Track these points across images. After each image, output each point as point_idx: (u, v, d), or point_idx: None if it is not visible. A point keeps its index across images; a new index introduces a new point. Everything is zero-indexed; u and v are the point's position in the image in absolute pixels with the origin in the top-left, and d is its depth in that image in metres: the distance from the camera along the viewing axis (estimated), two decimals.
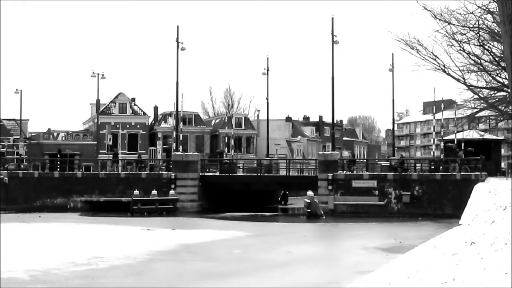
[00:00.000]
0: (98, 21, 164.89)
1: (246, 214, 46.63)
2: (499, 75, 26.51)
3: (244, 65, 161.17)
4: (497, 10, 18.21)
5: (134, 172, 51.22)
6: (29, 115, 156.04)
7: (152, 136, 75.89)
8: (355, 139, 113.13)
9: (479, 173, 42.44)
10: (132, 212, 44.73)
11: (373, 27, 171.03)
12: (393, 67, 57.90)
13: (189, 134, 75.41)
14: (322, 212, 43.44)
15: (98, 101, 67.65)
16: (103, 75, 64.11)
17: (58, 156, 58.93)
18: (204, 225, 38.64)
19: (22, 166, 53.45)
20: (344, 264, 22.38)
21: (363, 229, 36.20)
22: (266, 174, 52.06)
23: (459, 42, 25.84)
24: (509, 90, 22.63)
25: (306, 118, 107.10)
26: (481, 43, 25.36)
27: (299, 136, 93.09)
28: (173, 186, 48.70)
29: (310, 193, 43.97)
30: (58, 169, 52.33)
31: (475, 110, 30.58)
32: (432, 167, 46.92)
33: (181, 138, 59.06)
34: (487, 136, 50.64)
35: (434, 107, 58.78)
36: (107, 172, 51.42)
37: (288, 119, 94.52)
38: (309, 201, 43.57)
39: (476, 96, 28.90)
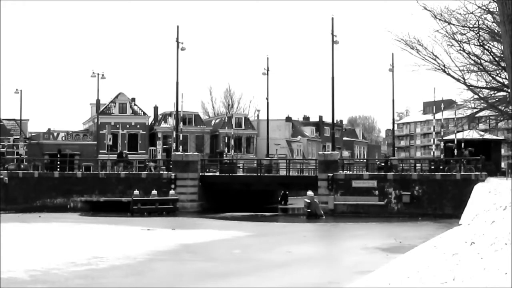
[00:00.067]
0: (98, 21, 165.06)
1: (246, 214, 46.64)
2: (499, 75, 26.50)
3: (244, 65, 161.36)
4: (497, 10, 18.21)
5: (134, 172, 51.21)
6: (29, 115, 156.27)
7: (152, 136, 75.88)
8: (355, 139, 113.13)
9: (479, 173, 42.46)
10: (132, 212, 44.74)
11: (373, 27, 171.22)
12: (393, 67, 57.91)
13: (189, 134, 75.39)
14: (322, 212, 43.45)
15: (98, 101, 67.67)
16: (103, 75, 64.16)
17: (58, 156, 58.94)
18: (204, 225, 38.65)
19: (22, 166, 53.46)
20: (344, 264, 22.38)
21: (363, 229, 36.20)
22: (266, 174, 52.07)
23: (459, 42, 25.84)
24: (509, 90, 22.63)
25: (306, 118, 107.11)
26: (481, 43, 25.35)
27: (299, 136, 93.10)
28: (173, 186, 48.70)
29: (310, 193, 43.98)
30: (58, 169, 52.33)
31: (475, 110, 30.57)
32: (432, 167, 46.93)
33: (181, 138, 59.06)
34: (487, 136, 50.67)
35: (434, 107, 58.79)
36: (107, 172, 51.41)
37: (288, 119, 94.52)
38: (309, 201, 43.57)
39: (476, 96, 28.90)
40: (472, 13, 23.07)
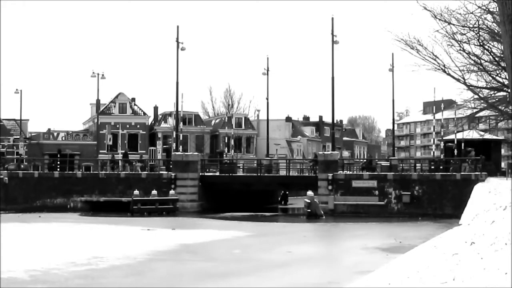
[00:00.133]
0: (98, 21, 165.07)
1: (246, 214, 46.63)
2: (499, 75, 26.50)
3: (244, 65, 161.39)
4: (497, 10, 18.21)
5: (134, 172, 51.20)
6: (29, 115, 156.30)
7: (152, 136, 75.88)
8: (355, 139, 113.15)
9: (479, 173, 42.46)
10: (132, 212, 44.73)
11: (373, 27, 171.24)
12: (393, 67, 57.91)
13: (189, 134, 75.40)
14: (322, 212, 43.44)
15: (98, 101, 67.65)
16: (103, 75, 64.14)
17: (58, 156, 58.94)
18: (204, 225, 38.64)
19: (22, 166, 53.45)
20: (344, 264, 22.38)
21: (363, 229, 36.20)
22: (266, 174, 52.06)
23: (459, 42, 25.84)
24: (509, 90, 22.63)
25: (306, 118, 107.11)
26: (481, 43, 25.35)
27: (299, 136, 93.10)
28: (173, 186, 48.70)
29: (310, 193, 43.97)
30: (58, 169, 52.32)
31: (475, 110, 30.57)
32: (432, 167, 46.92)
33: (181, 138, 59.06)
34: (487, 136, 50.65)
35: (434, 107, 58.78)
36: (107, 172, 51.41)
37: (288, 119, 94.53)
38: (309, 201, 43.57)
39: (476, 96, 28.89)
40: (472, 13, 23.08)
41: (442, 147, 50.47)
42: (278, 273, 19.78)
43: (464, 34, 25.31)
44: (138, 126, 74.12)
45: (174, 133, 58.85)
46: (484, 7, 22.48)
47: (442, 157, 49.06)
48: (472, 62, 26.52)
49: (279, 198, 62.24)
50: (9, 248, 24.23)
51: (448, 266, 11.19)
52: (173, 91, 55.60)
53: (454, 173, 43.75)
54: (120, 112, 74.17)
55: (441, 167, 45.84)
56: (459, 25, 24.96)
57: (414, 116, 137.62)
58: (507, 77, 17.14)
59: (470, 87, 27.69)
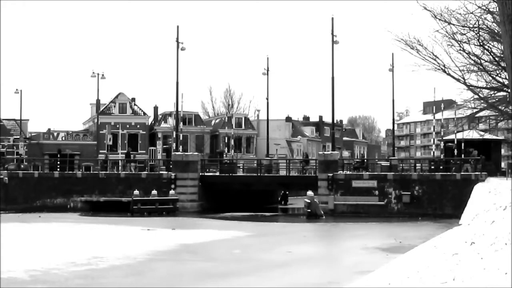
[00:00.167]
0: (98, 21, 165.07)
1: (246, 214, 46.63)
2: (499, 75, 26.50)
3: (244, 65, 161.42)
4: (497, 10, 18.21)
5: (134, 172, 51.19)
6: (29, 115, 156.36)
7: (152, 136, 75.88)
8: (355, 139, 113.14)
9: (479, 173, 42.46)
10: (132, 212, 44.73)
11: (373, 27, 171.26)
12: (393, 67, 57.91)
13: (189, 134, 75.40)
14: (322, 212, 43.44)
15: (98, 101, 67.65)
16: (103, 75, 64.14)
17: (58, 156, 58.93)
18: (204, 225, 38.64)
19: (22, 166, 53.45)
20: (344, 264, 22.38)
21: (363, 229, 36.19)
22: (266, 174, 52.07)
23: (459, 42, 25.84)
24: (509, 90, 22.63)
25: (306, 118, 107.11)
26: (481, 43, 25.35)
27: (299, 136, 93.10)
28: (173, 186, 48.69)
29: (310, 193, 43.97)
30: (58, 169, 52.32)
31: (475, 110, 30.57)
32: (432, 167, 46.91)
33: (181, 138, 59.05)
34: (487, 136, 50.65)
35: (434, 107, 58.77)
36: (107, 172, 51.40)
37: (288, 119, 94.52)
38: (309, 201, 43.56)
39: (476, 96, 28.90)
40: (472, 13, 23.08)
41: (442, 147, 50.46)
42: (278, 273, 19.78)
43: (464, 34, 25.33)
44: (138, 126, 74.13)
45: (174, 133, 58.84)
46: (484, 7, 22.49)
47: (442, 157, 49.05)
48: (472, 62, 26.52)
49: (279, 198, 62.24)
50: (9, 248, 24.23)
51: (448, 266, 11.19)
52: (173, 91, 55.67)
53: (454, 173, 43.75)
54: (120, 112, 74.17)
55: (441, 167, 45.82)
56: (459, 25, 24.98)
57: (414, 116, 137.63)
58: (507, 77, 17.15)
59: (470, 87, 27.69)
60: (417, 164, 52.21)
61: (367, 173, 46.94)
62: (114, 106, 74.36)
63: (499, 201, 20.70)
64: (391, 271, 12.98)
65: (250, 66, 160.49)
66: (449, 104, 60.77)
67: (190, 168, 49.52)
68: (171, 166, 50.71)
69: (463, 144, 46.22)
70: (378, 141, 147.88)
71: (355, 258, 22.78)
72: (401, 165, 49.84)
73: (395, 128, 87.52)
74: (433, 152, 68.43)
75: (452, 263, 11.37)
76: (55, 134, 73.66)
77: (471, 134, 45.73)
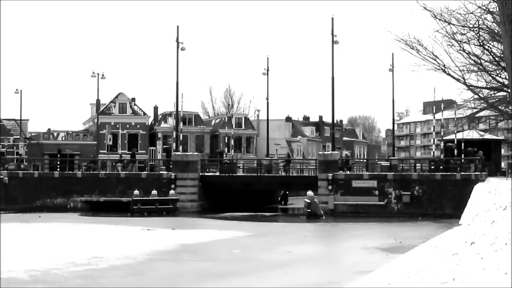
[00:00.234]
0: (98, 21, 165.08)
1: (246, 214, 46.63)
2: (499, 75, 26.50)
3: (244, 65, 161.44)
4: (497, 10, 18.21)
5: (134, 172, 51.19)
6: (29, 115, 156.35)
7: (152, 136, 75.88)
8: (355, 139, 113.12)
9: (479, 173, 42.45)
10: (132, 212, 44.73)
11: (373, 27, 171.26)
12: (393, 67, 57.92)
13: (189, 134, 75.40)
14: (322, 212, 43.43)
15: (98, 101, 67.65)
16: (103, 75, 64.16)
17: (58, 156, 58.93)
18: (204, 225, 38.64)
19: (22, 166, 53.45)
20: (344, 264, 22.38)
21: (363, 229, 36.19)
22: (266, 174, 52.06)
23: (459, 42, 25.84)
24: (509, 90, 22.63)
25: (306, 118, 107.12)
26: (481, 43, 25.35)
27: (299, 136, 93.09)
28: (173, 186, 48.68)
29: (310, 193, 43.96)
30: (58, 169, 52.31)
31: (475, 110, 30.57)
32: (432, 167, 46.90)
33: (181, 138, 59.04)
34: (487, 136, 50.64)
35: (434, 107, 58.75)
36: (107, 172, 51.40)
37: (288, 119, 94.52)
38: (309, 201, 43.56)
39: (476, 96, 28.90)
40: (472, 13, 23.08)
41: (442, 147, 50.45)
42: (278, 273, 19.78)
43: (464, 34, 25.33)
44: (138, 126, 74.13)
45: (174, 133, 58.83)
46: (484, 7, 22.49)
47: (442, 157, 49.04)
48: (472, 62, 26.53)
49: (279, 198, 62.24)
50: (9, 248, 24.23)
51: (448, 266, 11.19)
52: (173, 91, 55.65)
53: (454, 173, 43.75)
54: (120, 112, 74.18)
55: (441, 167, 45.81)
56: (459, 25, 24.98)
57: (414, 116, 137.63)
58: (507, 77, 17.14)
59: (470, 87, 27.69)
60: (417, 164, 52.20)
61: (367, 173, 46.94)
62: (114, 106, 74.36)
63: (499, 201, 20.70)
64: (391, 271, 12.97)
65: (250, 66, 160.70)
66: (449, 104, 60.75)
67: (190, 168, 49.51)
68: (171, 166, 50.70)
69: (463, 144, 46.20)
70: (378, 141, 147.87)
71: (355, 258, 22.77)
72: (401, 165, 49.84)
73: (395, 128, 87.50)
74: (433, 152, 68.41)
75: (452, 263, 11.37)
76: (55, 134, 73.67)
77: (471, 134, 45.71)
